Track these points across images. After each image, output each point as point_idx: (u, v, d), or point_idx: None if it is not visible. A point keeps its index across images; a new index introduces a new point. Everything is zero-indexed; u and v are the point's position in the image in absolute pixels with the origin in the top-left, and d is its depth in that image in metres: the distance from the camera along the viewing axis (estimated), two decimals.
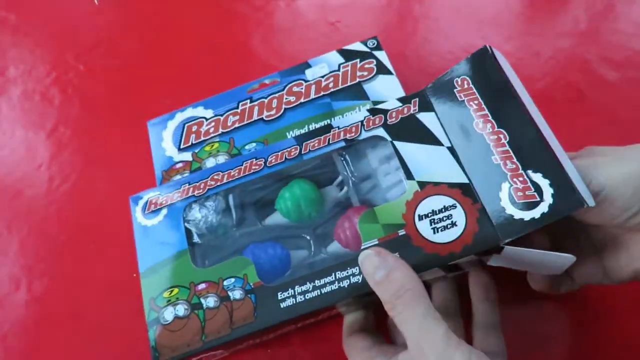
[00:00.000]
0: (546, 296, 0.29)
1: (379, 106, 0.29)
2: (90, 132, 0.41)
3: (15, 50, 0.46)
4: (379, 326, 0.29)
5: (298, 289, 0.25)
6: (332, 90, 0.34)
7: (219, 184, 0.29)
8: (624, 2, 0.44)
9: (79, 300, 0.35)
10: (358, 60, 0.35)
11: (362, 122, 0.28)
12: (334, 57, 0.35)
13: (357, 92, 0.33)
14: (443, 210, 0.25)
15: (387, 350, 0.25)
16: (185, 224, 0.29)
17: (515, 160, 0.24)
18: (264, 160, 0.29)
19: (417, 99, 0.28)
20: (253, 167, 0.29)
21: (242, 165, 0.29)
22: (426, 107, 0.28)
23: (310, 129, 0.32)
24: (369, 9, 0.46)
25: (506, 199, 0.23)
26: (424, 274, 0.25)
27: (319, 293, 0.25)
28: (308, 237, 0.30)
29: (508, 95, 0.25)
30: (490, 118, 0.25)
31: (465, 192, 0.25)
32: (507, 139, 0.24)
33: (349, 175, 0.30)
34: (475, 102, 0.26)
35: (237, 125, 0.33)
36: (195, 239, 0.30)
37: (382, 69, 0.34)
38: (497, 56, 0.26)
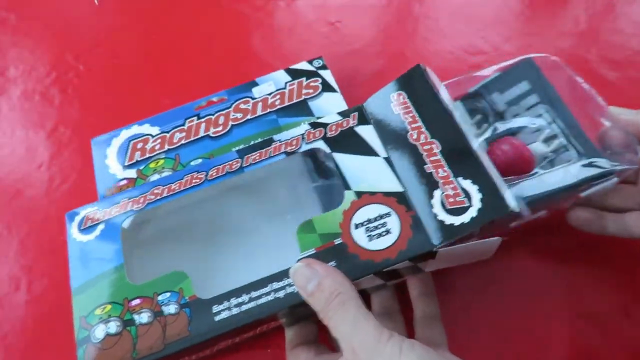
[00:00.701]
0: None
1: (320, 120, 0.30)
2: (90, 132, 0.41)
3: (15, 50, 0.46)
4: (323, 337, 0.29)
5: (234, 301, 0.25)
6: (278, 107, 0.34)
7: (158, 197, 0.29)
8: (624, 2, 0.44)
9: None
10: (304, 78, 0.35)
11: (302, 135, 0.29)
12: (281, 76, 0.36)
13: (302, 109, 0.34)
14: (378, 218, 0.26)
15: (330, 359, 0.25)
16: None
17: (446, 168, 0.25)
18: (205, 174, 0.29)
19: (357, 112, 0.29)
20: (194, 181, 0.29)
21: (183, 179, 0.29)
22: (365, 120, 0.29)
23: None
24: (369, 9, 0.46)
25: (438, 206, 0.25)
26: (361, 282, 0.25)
27: (255, 304, 0.25)
28: None
29: (440, 109, 0.26)
30: (423, 129, 0.26)
31: (400, 200, 0.26)
32: (440, 149, 0.25)
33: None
34: (410, 115, 0.27)
35: (183, 142, 0.33)
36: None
37: (327, 87, 0.35)
38: (429, 73, 0.27)
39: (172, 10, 0.48)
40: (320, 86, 0.35)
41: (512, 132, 0.30)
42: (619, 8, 0.43)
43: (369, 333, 0.21)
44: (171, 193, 0.29)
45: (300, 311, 0.25)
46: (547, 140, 0.30)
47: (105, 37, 0.46)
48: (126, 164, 0.33)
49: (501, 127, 0.30)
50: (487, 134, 0.30)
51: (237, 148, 0.32)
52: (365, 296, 0.29)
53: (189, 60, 0.44)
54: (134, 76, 0.44)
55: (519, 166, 0.28)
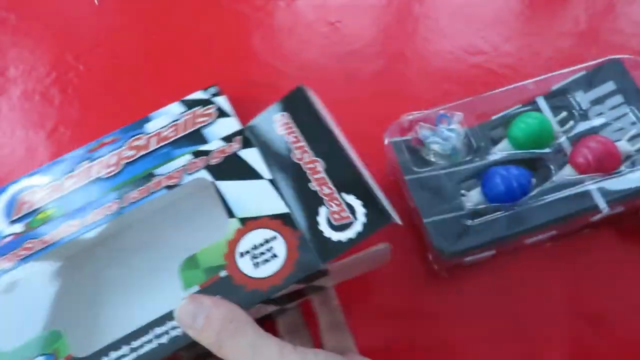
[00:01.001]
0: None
1: (203, 147, 0.29)
2: (90, 132, 0.41)
3: (15, 50, 0.46)
4: None
5: (113, 354, 0.23)
6: (172, 139, 0.33)
7: (33, 251, 0.27)
8: (624, 2, 0.44)
9: None
10: (199, 107, 0.35)
11: (184, 166, 0.28)
12: (176, 108, 0.35)
13: (196, 138, 0.33)
14: (264, 243, 0.25)
15: None
16: (428, 141, 0.30)
17: (330, 185, 0.25)
18: (80, 220, 0.28)
19: (240, 136, 0.29)
20: (69, 229, 0.27)
21: (57, 228, 0.27)
22: (248, 143, 0.28)
23: None
24: (369, 9, 0.46)
25: (324, 223, 0.24)
26: (257, 310, 0.24)
27: (136, 355, 0.23)
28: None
29: (322, 128, 0.26)
30: (306, 148, 0.26)
31: (285, 221, 0.25)
32: (323, 167, 0.26)
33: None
34: (294, 135, 0.27)
35: (74, 187, 0.32)
36: (432, 157, 0.31)
37: (222, 113, 0.34)
38: (310, 94, 0.28)
39: (172, 10, 0.48)
40: (215, 113, 0.34)
41: (594, 131, 0.31)
42: (619, 8, 0.43)
43: (271, 350, 0.21)
44: (45, 245, 0.27)
45: (194, 351, 0.24)
46: (632, 139, 0.30)
47: (105, 37, 0.46)
48: (13, 219, 0.32)
49: (583, 125, 0.31)
50: (572, 133, 0.31)
51: (131, 187, 0.30)
52: (271, 321, 0.29)
53: (189, 60, 0.44)
54: (134, 76, 0.44)
55: (607, 163, 0.29)
